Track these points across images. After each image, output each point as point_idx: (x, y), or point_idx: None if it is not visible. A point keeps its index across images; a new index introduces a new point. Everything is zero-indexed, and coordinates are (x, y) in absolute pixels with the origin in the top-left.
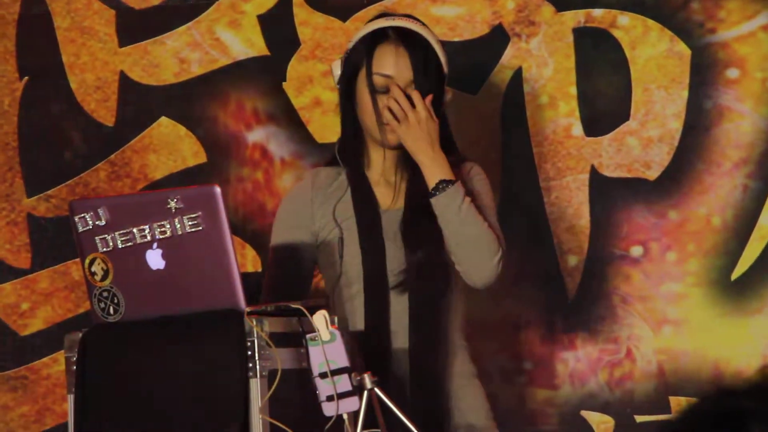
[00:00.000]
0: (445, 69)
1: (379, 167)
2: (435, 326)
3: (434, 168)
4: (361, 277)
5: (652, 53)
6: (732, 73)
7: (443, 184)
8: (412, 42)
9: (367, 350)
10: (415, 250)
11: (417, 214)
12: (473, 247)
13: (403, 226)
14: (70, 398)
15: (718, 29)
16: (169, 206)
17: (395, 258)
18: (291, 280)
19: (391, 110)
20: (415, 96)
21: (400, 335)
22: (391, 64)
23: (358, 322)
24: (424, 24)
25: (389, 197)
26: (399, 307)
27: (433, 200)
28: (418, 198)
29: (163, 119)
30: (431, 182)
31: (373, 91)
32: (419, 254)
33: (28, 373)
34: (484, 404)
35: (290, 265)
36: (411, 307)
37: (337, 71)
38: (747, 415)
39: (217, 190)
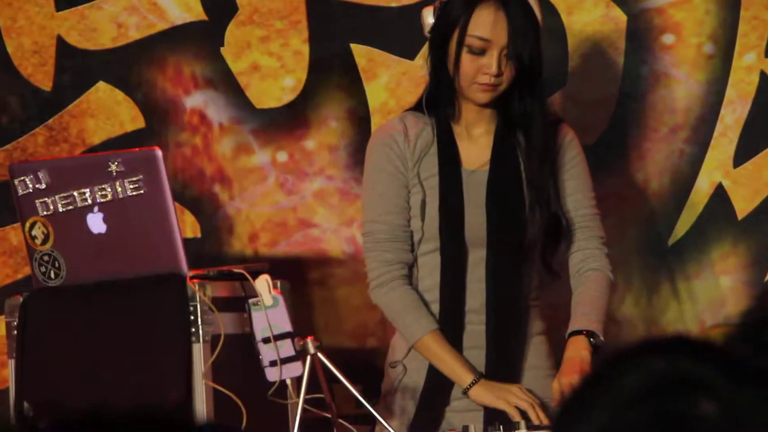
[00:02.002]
0: (541, 24)
1: (465, 120)
2: (513, 289)
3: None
4: (438, 237)
5: (588, 19)
6: (668, 38)
7: (594, 344)
8: (512, 5)
9: (442, 308)
10: (498, 215)
11: (501, 178)
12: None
13: (488, 191)
14: (11, 363)
15: None
16: (109, 170)
17: (476, 220)
18: (404, 230)
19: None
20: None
21: (476, 294)
22: (490, 28)
23: (435, 279)
24: None
25: (473, 154)
26: (477, 267)
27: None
28: (503, 160)
29: (101, 84)
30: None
31: (469, 51)
32: (501, 219)
33: None
34: (546, 362)
35: (401, 214)
36: (488, 270)
37: (429, 20)
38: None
39: (158, 153)
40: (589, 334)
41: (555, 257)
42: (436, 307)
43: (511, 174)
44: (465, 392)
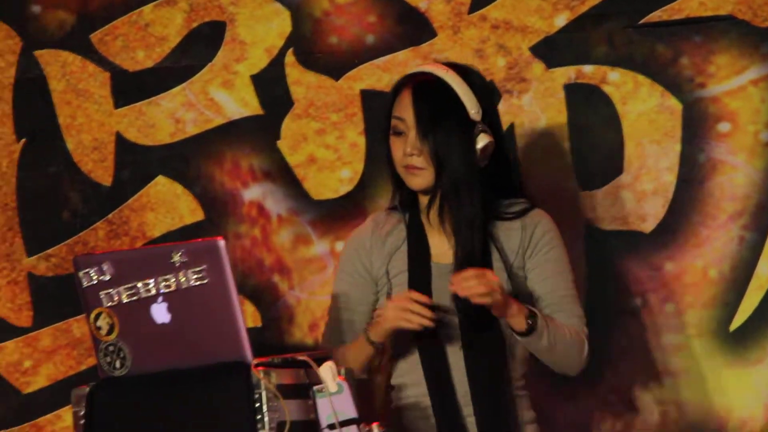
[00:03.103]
0: (473, 114)
1: (428, 212)
2: (495, 382)
3: (519, 315)
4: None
5: (643, 108)
6: (723, 126)
7: (530, 325)
8: (423, 85)
9: (434, 402)
10: (467, 310)
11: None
12: (563, 358)
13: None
14: None
15: (708, 84)
16: (173, 260)
17: (447, 314)
18: (347, 326)
19: (410, 162)
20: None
21: (461, 384)
22: (404, 107)
23: (417, 373)
24: (464, 71)
25: (443, 247)
26: (456, 356)
27: (522, 341)
28: (466, 254)
29: (160, 178)
30: (520, 327)
31: (393, 133)
32: (471, 313)
33: (32, 431)
34: None
35: (347, 313)
36: (467, 362)
37: None
38: None
39: (222, 243)
40: (533, 314)
41: None
42: (427, 401)
43: (478, 266)
44: (368, 339)
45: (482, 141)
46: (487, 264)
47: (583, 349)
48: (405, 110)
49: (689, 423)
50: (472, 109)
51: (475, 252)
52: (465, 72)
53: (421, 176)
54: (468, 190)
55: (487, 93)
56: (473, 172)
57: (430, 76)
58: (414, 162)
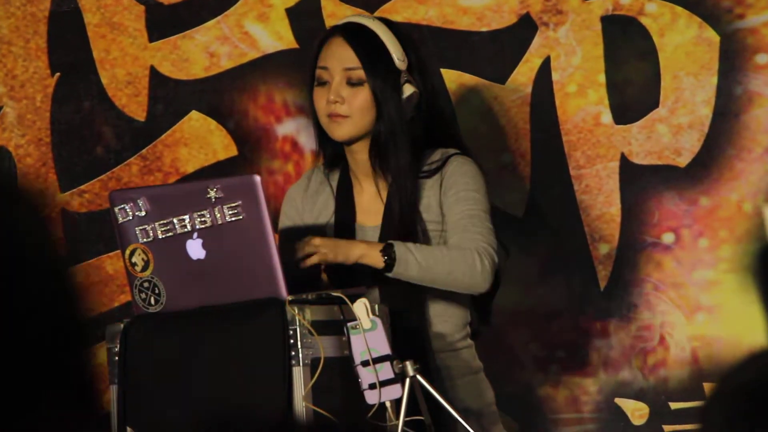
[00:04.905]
0: (398, 63)
1: (356, 169)
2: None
3: (370, 253)
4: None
5: (681, 40)
6: (761, 58)
7: (387, 257)
8: (352, 33)
9: None
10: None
11: (391, 236)
12: (451, 280)
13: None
14: (113, 389)
15: (746, 15)
16: (208, 196)
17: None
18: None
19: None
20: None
21: None
22: (329, 56)
23: None
24: (387, 22)
25: (371, 208)
26: None
27: (390, 276)
28: (392, 219)
29: (194, 113)
30: (378, 264)
31: (317, 84)
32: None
33: None
34: (486, 392)
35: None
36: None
37: None
38: None
39: (257, 179)
40: (388, 245)
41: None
42: None
43: (401, 231)
44: None
45: (407, 91)
46: (412, 222)
47: (474, 261)
48: (329, 59)
49: (721, 359)
50: (398, 57)
51: (404, 209)
52: (390, 22)
53: (345, 125)
54: (396, 140)
55: (413, 44)
56: (401, 122)
57: (355, 24)
58: (337, 110)
